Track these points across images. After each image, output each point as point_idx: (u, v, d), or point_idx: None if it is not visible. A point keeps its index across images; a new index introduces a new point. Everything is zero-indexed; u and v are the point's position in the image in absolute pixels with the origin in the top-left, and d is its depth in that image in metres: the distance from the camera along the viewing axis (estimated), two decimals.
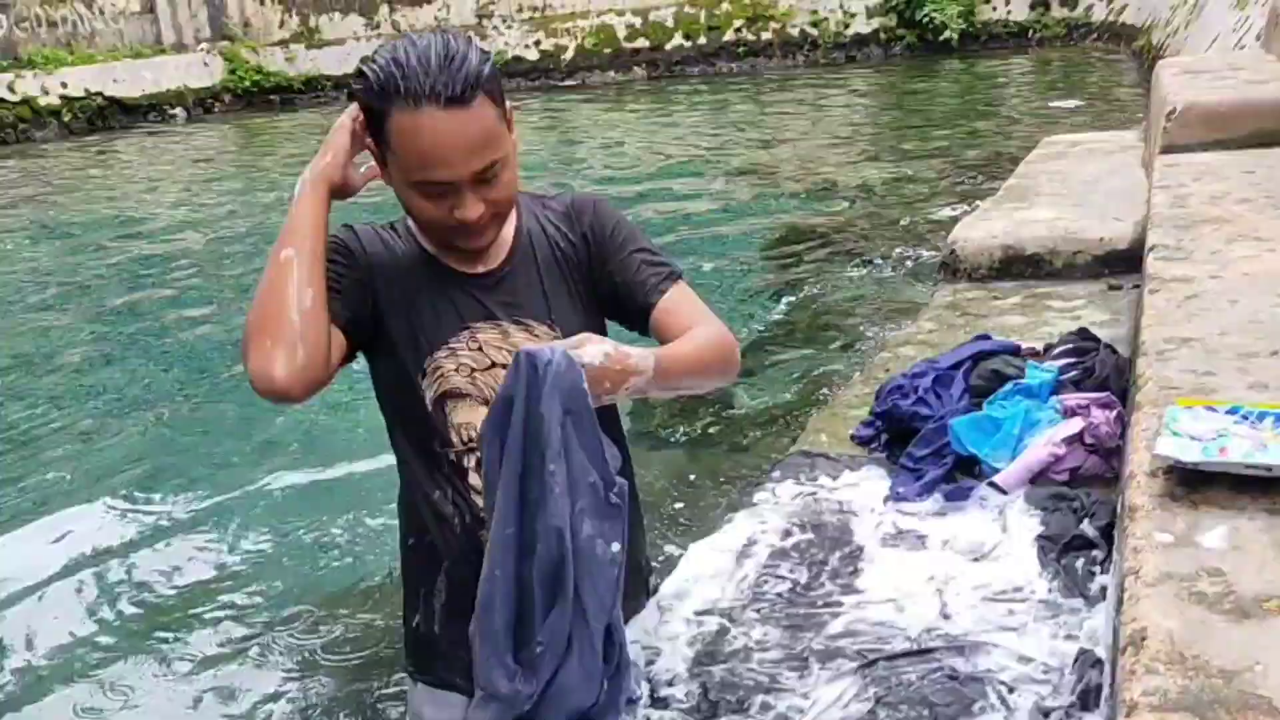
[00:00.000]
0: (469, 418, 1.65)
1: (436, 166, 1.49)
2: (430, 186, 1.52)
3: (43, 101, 15.56)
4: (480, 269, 1.68)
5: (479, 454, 1.57)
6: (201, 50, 17.78)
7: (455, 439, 1.67)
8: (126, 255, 8.19)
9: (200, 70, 17.50)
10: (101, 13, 17.11)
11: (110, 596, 3.41)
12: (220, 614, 3.27)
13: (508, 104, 1.56)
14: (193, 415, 4.96)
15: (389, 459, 1.81)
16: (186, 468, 4.37)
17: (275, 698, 2.85)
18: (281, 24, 19.21)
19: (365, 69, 1.50)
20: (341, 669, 2.94)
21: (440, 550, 1.71)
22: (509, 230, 1.71)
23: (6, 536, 3.84)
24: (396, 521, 1.82)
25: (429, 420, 1.67)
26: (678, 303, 1.68)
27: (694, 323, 1.65)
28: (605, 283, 1.72)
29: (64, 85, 15.84)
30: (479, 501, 1.65)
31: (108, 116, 16.11)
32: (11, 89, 15.34)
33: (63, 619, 3.28)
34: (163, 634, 3.19)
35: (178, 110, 16.87)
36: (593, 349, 1.43)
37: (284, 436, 4.60)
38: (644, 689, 1.64)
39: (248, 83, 17.73)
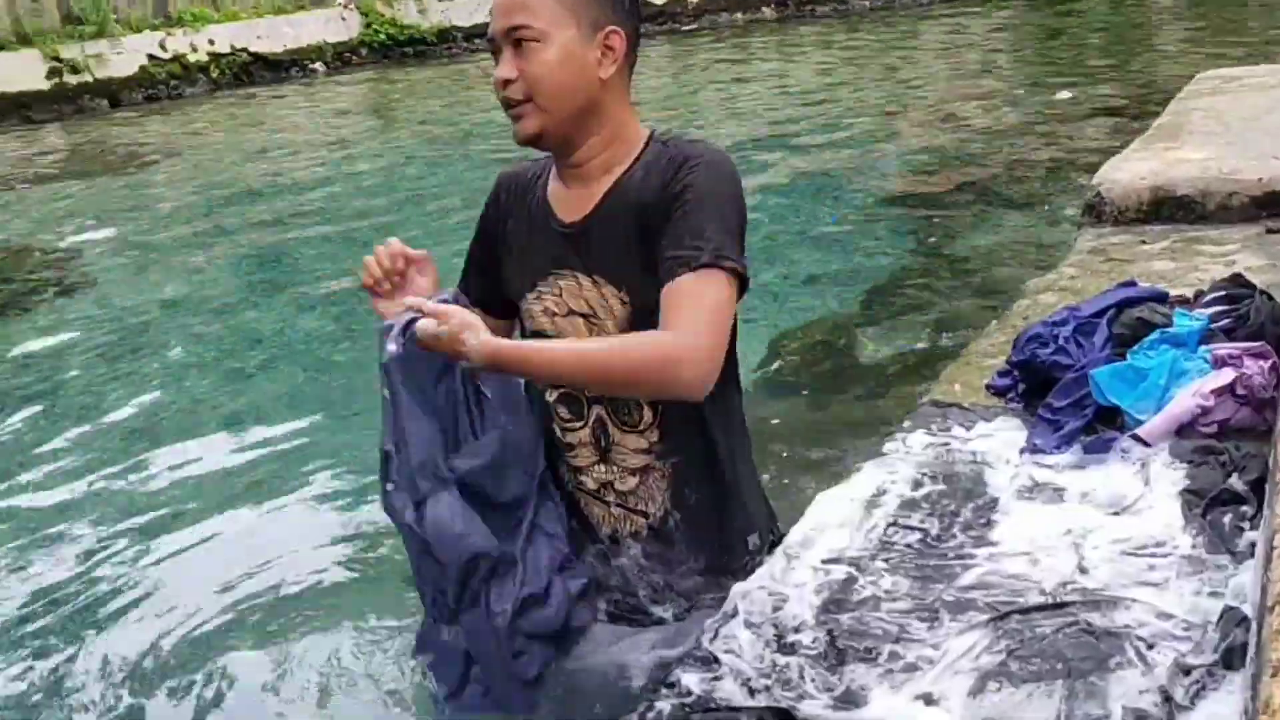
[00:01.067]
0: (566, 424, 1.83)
1: (490, 18, 1.68)
2: (490, 44, 1.70)
3: (192, 58, 16.15)
4: (567, 219, 1.76)
5: (571, 408, 1.81)
6: (339, 5, 18.19)
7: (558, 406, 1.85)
8: (269, 203, 8.48)
9: (338, 25, 17.90)
10: None
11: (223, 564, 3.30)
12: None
13: (612, 27, 1.67)
14: (321, 368, 5.03)
15: None
16: (315, 417, 4.41)
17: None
18: None
19: None
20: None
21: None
22: (605, 180, 1.73)
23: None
24: None
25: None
26: (676, 296, 1.60)
27: (670, 323, 1.58)
28: (660, 235, 1.66)
29: (211, 42, 16.41)
30: (557, 431, 1.83)
31: (252, 72, 16.65)
32: (163, 46, 15.97)
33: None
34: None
35: (318, 65, 17.33)
36: (426, 323, 1.51)
37: None
38: (769, 633, 1.66)
39: (383, 36, 18.07)
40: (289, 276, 6.53)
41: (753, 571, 1.80)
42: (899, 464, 2.21)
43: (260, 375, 4.97)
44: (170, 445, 4.13)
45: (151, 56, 15.86)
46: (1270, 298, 2.49)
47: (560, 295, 1.74)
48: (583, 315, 1.73)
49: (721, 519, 1.85)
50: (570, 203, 1.74)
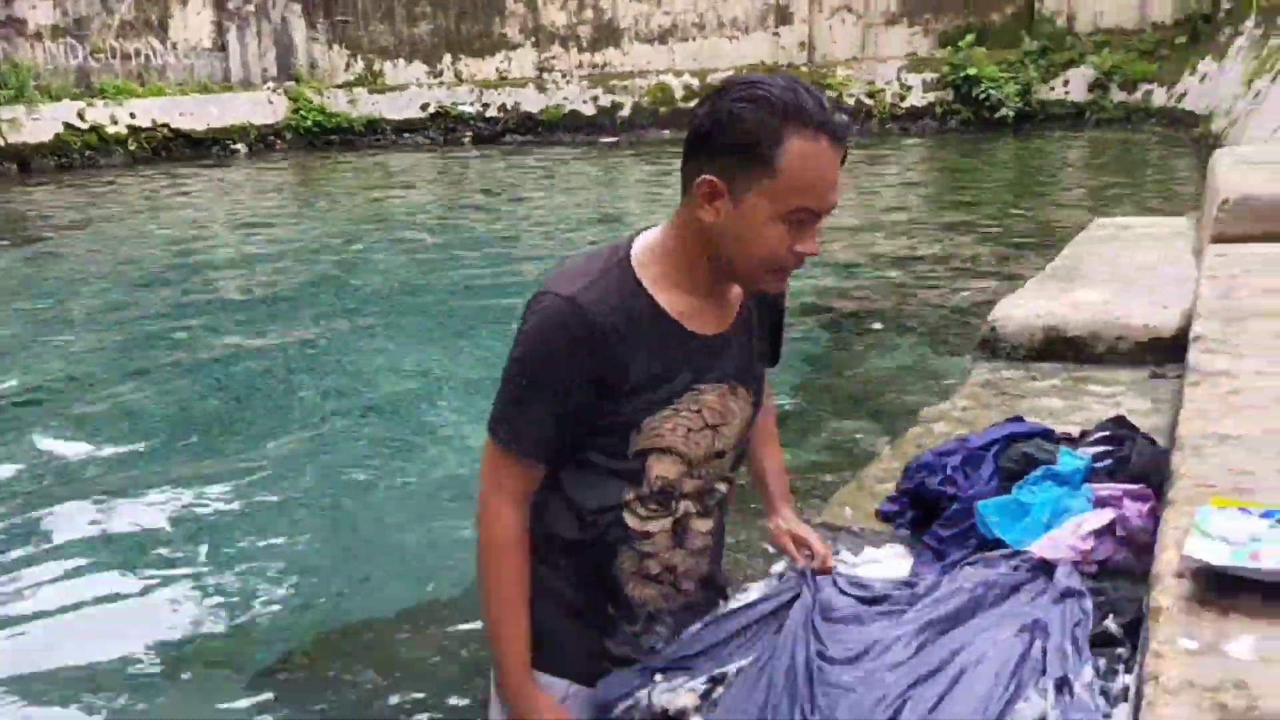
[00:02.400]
0: (664, 470, 1.75)
1: (822, 192, 1.59)
2: (803, 214, 1.59)
3: (111, 130, 15.97)
4: (712, 330, 1.74)
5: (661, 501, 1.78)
6: (268, 89, 18.21)
7: (646, 488, 1.75)
8: (180, 284, 8.33)
9: (265, 107, 17.90)
10: (174, 47, 17.60)
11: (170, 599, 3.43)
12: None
13: None
14: (231, 447, 4.99)
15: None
16: (225, 501, 4.40)
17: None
18: (347, 67, 19.65)
19: (761, 92, 1.55)
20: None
21: (579, 545, 1.79)
22: (736, 290, 1.78)
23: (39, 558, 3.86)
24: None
25: (621, 465, 1.74)
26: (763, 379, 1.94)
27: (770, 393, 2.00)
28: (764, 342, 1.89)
29: (132, 116, 16.26)
30: (629, 520, 1.78)
31: (172, 148, 16.49)
32: (82, 116, 15.77)
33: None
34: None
35: (240, 146, 17.24)
36: None
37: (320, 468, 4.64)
38: None
39: (310, 122, 18.10)
40: (189, 357, 6.35)
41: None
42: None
43: (152, 455, 4.83)
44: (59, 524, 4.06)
45: (68, 125, 15.64)
46: (1152, 441, 2.54)
47: (699, 412, 1.75)
48: (712, 427, 1.78)
49: (720, 580, 1.99)
50: (709, 317, 1.74)
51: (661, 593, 1.85)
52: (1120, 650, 1.83)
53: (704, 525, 1.85)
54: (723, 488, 1.86)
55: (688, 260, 1.68)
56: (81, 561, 3.85)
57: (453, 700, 3.00)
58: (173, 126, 16.56)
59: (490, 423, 1.72)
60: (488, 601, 1.75)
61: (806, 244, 1.63)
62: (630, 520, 1.77)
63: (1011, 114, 17.28)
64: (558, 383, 1.65)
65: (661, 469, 1.75)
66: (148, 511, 4.26)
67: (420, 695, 3.04)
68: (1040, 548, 2.11)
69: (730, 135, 1.56)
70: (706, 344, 1.73)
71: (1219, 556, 1.50)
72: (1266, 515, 1.60)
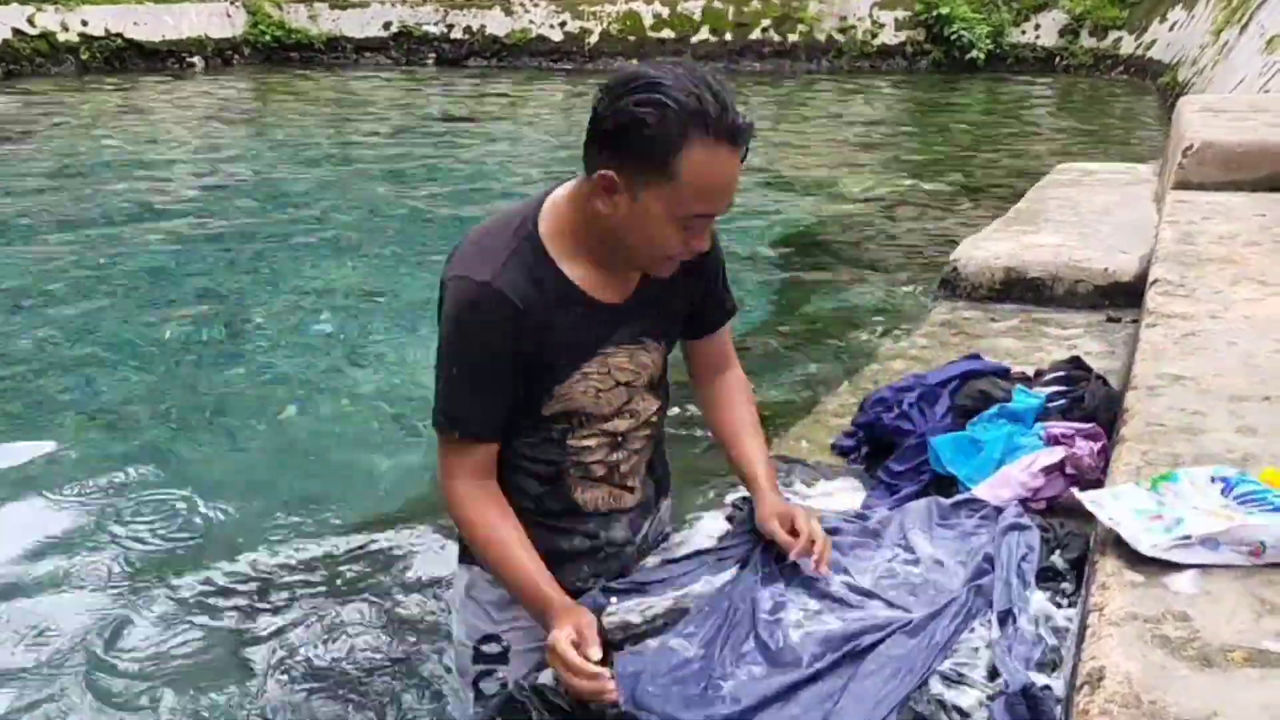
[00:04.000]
0: (581, 433, 1.82)
1: (719, 197, 1.61)
2: (699, 220, 1.62)
3: (61, 37, 15.47)
4: (619, 298, 1.77)
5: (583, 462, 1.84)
6: (226, 1, 17.69)
7: (565, 458, 1.83)
8: (131, 197, 8.13)
9: (222, 20, 17.41)
10: None
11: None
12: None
13: None
14: (174, 359, 4.92)
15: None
16: (167, 410, 4.35)
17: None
18: None
19: (663, 97, 1.52)
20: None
21: (532, 456, 1.84)
22: None
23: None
24: None
25: (541, 425, 1.80)
26: (722, 341, 2.00)
27: (725, 363, 2.00)
28: (695, 300, 1.92)
29: (84, 23, 15.75)
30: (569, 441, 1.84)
31: (126, 59, 16.02)
32: (31, 22, 15.26)
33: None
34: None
35: (196, 59, 16.78)
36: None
37: (266, 375, 4.59)
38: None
39: (269, 37, 17.65)
40: (141, 273, 6.22)
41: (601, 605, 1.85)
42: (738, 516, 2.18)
43: (106, 373, 4.76)
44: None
45: (17, 31, 15.12)
46: (1105, 383, 2.56)
47: (609, 373, 1.80)
48: (624, 385, 1.83)
49: (664, 479, 2.07)
50: (613, 286, 1.76)
51: (608, 492, 1.90)
52: (1066, 585, 1.86)
53: (642, 432, 1.90)
54: (636, 439, 1.91)
55: (588, 236, 1.70)
56: (28, 483, 3.79)
57: (406, 611, 3.01)
58: (126, 36, 16.06)
59: (434, 417, 1.76)
60: (491, 564, 1.78)
61: (698, 240, 1.65)
62: (572, 441, 1.84)
63: (982, 56, 17.23)
64: (484, 361, 1.70)
65: (577, 431, 1.82)
66: (91, 431, 4.20)
67: (376, 611, 3.05)
68: (991, 484, 2.13)
69: (630, 138, 1.55)
70: (614, 312, 1.77)
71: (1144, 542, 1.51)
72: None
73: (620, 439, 1.87)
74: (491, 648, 1.92)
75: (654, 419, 1.93)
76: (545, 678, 1.67)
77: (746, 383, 2.04)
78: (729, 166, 1.58)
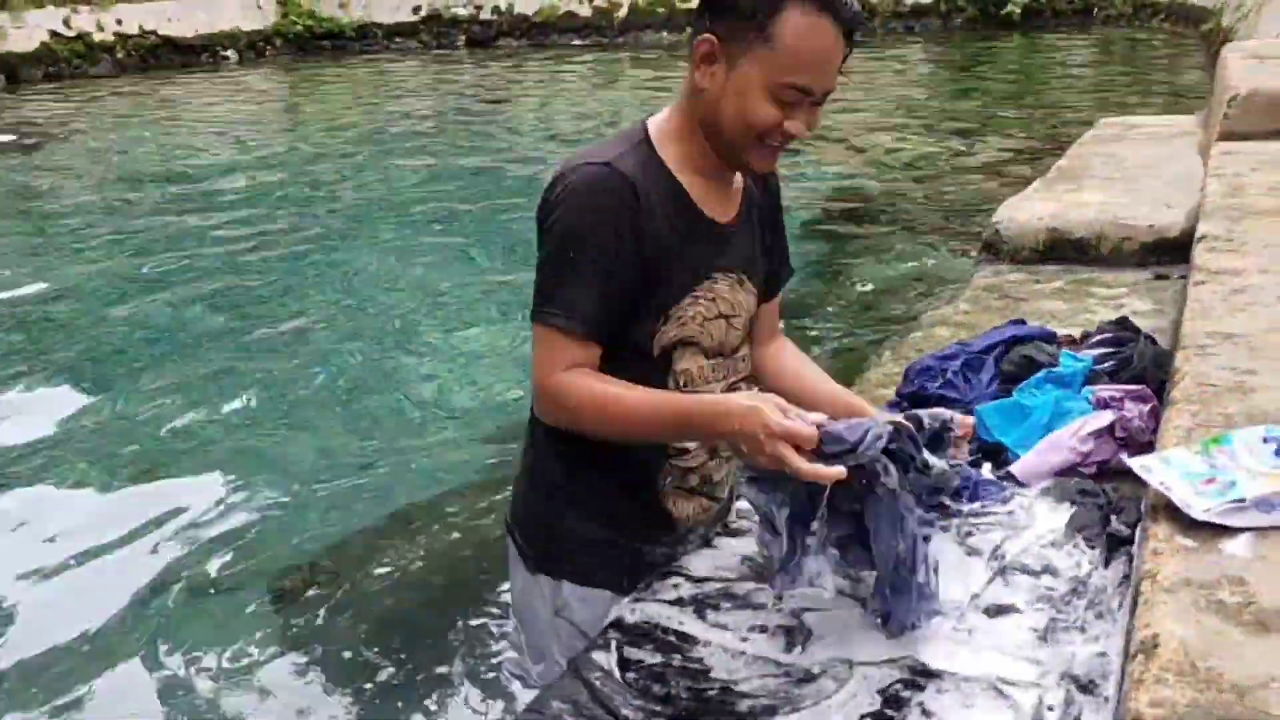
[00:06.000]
0: (688, 364, 1.71)
1: (815, 72, 1.55)
2: (793, 91, 1.55)
3: (97, 38, 15.65)
4: (723, 219, 1.72)
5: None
6: None
7: (671, 383, 1.70)
8: (171, 193, 8.24)
9: (254, 12, 17.51)
10: None
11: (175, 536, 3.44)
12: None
13: None
14: (221, 349, 4.99)
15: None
16: (216, 402, 4.42)
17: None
18: None
19: None
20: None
21: (619, 461, 1.73)
22: (739, 179, 1.77)
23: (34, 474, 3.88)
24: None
25: (649, 360, 1.68)
26: (774, 308, 1.92)
27: (771, 335, 1.93)
28: (769, 247, 1.86)
29: (119, 22, 15.92)
30: (678, 457, 1.77)
31: (160, 56, 16.18)
32: (67, 24, 15.44)
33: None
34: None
35: (230, 53, 16.91)
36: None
37: (315, 373, 4.65)
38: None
39: (300, 27, 17.72)
40: (181, 269, 6.31)
41: (666, 570, 1.84)
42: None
43: (149, 368, 4.82)
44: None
45: (54, 33, 15.32)
46: (1154, 342, 2.53)
47: (714, 300, 1.72)
48: (725, 317, 1.75)
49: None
50: (719, 203, 1.72)
51: (700, 505, 1.83)
52: (1131, 549, 1.84)
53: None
54: (743, 388, 1.81)
55: (694, 138, 1.66)
56: (78, 469, 3.86)
57: (465, 602, 3.03)
58: (160, 33, 16.21)
59: (535, 308, 1.62)
60: (628, 424, 1.61)
61: (794, 123, 1.59)
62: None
63: (1018, 11, 16.92)
64: (608, 248, 1.58)
65: (685, 363, 1.71)
66: (143, 423, 4.26)
67: (436, 600, 3.07)
68: (1040, 450, 2.11)
69: (733, 5, 1.54)
70: (721, 232, 1.72)
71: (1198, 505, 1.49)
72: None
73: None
74: None
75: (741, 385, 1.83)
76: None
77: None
78: (829, 39, 1.54)
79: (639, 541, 1.80)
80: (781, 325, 2.00)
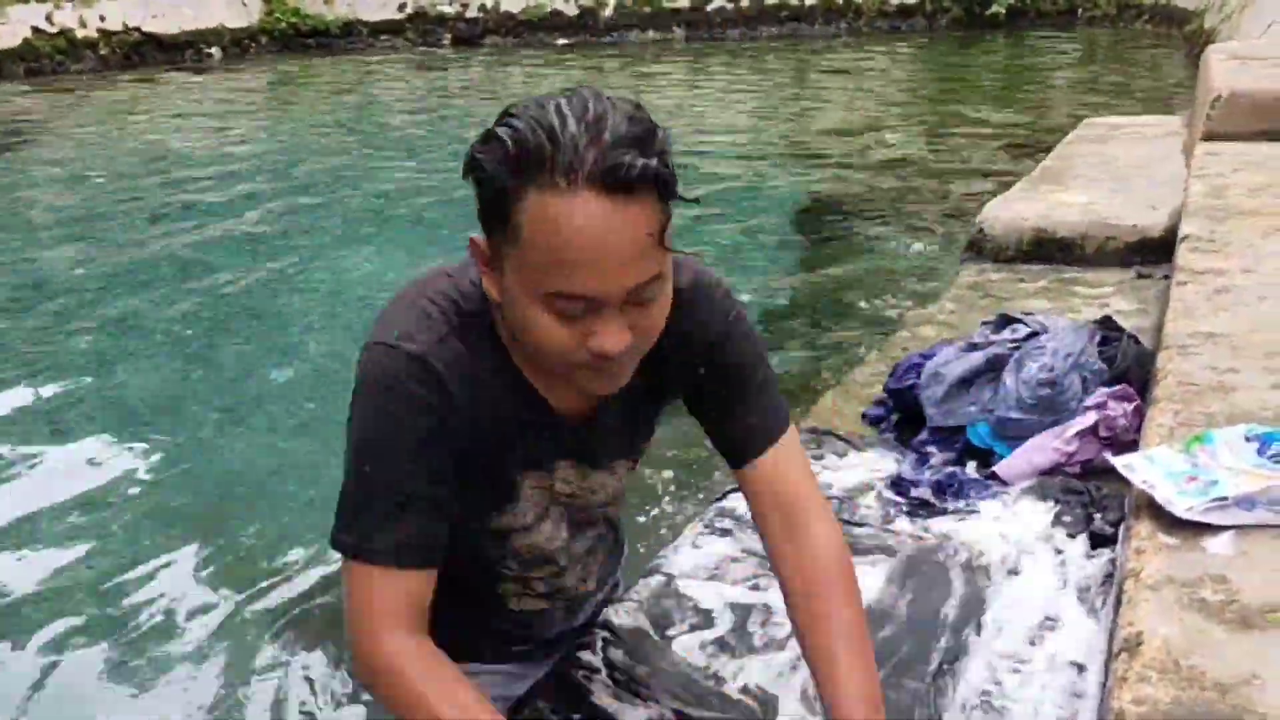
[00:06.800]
0: (526, 542, 1.43)
1: (583, 272, 1.09)
2: (568, 301, 1.12)
3: (80, 34, 15.55)
4: (566, 419, 1.35)
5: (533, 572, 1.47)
6: None
7: (510, 562, 1.45)
8: (154, 190, 8.19)
9: (239, 9, 17.43)
10: None
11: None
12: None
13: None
14: (203, 354, 4.97)
15: None
16: (197, 405, 4.39)
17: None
18: None
19: (499, 131, 1.12)
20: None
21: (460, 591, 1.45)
22: None
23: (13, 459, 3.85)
24: None
25: (481, 539, 1.42)
26: (774, 471, 1.37)
27: (799, 493, 1.37)
28: (710, 409, 1.42)
29: (102, 18, 15.82)
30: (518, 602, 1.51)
31: (144, 53, 16.09)
32: (50, 20, 15.34)
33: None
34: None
35: (214, 50, 16.83)
36: None
37: (293, 374, 4.64)
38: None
39: (284, 24, 17.65)
40: (166, 268, 6.27)
41: (650, 569, 1.80)
42: None
43: (132, 368, 4.80)
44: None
45: (37, 29, 15.21)
46: (1137, 341, 2.54)
47: (551, 488, 1.41)
48: (568, 502, 1.45)
49: (619, 555, 1.72)
50: (566, 393, 1.33)
51: (550, 604, 1.56)
52: (1114, 548, 1.85)
53: (590, 532, 1.54)
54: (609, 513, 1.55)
55: None
56: (49, 467, 3.83)
57: None
58: (144, 30, 16.11)
59: (334, 536, 1.27)
60: None
61: (597, 339, 1.14)
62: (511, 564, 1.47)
63: (1003, 11, 16.99)
64: (406, 462, 1.24)
65: (528, 540, 1.43)
66: (120, 420, 4.23)
67: None
68: (1026, 450, 2.12)
69: (480, 188, 1.15)
70: (573, 424, 1.36)
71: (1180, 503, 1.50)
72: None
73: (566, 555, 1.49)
74: None
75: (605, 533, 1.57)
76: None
77: (837, 542, 1.37)
78: (593, 223, 1.07)
79: (482, 620, 1.53)
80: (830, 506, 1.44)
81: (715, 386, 1.38)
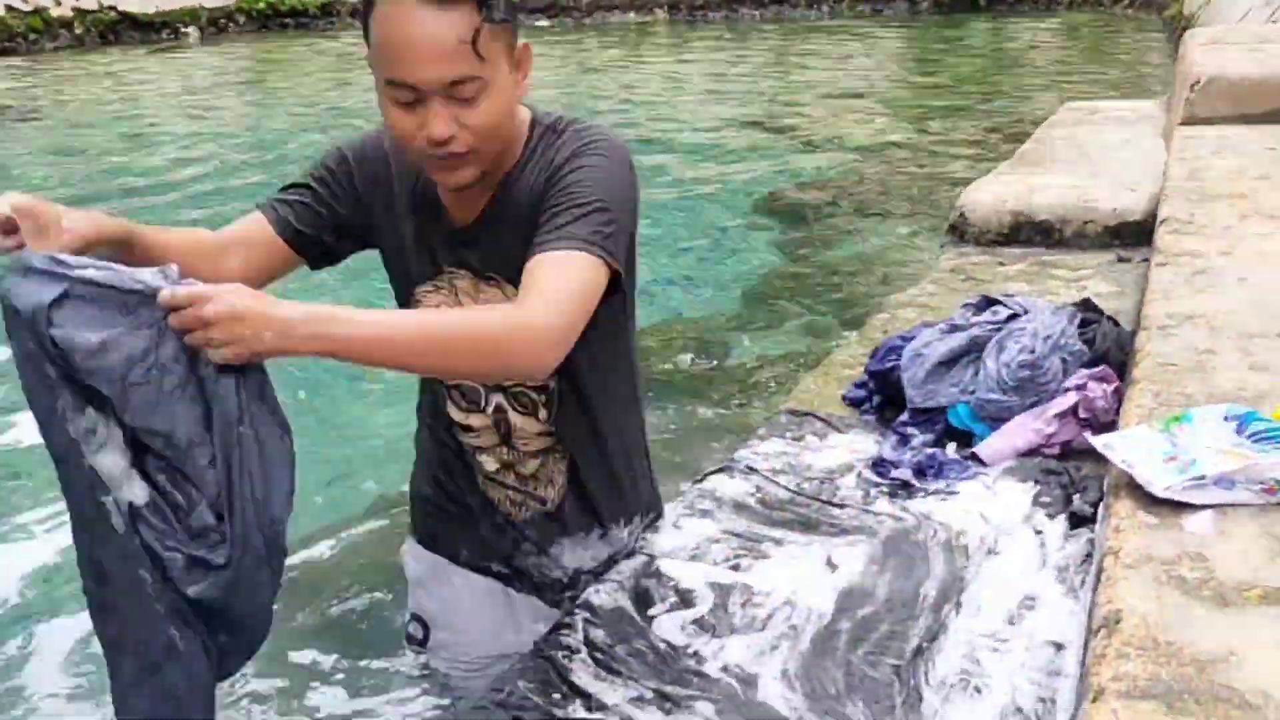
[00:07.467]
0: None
1: (404, 62, 1.39)
2: (399, 89, 1.42)
3: (55, 12, 15.37)
4: (459, 218, 1.60)
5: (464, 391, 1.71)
6: None
7: (454, 394, 1.73)
8: (131, 171, 8.11)
9: None
10: None
11: None
12: None
13: (519, 41, 1.48)
14: None
15: None
16: None
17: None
18: None
19: None
20: None
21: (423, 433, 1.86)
22: (493, 178, 1.56)
23: None
24: None
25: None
26: (538, 270, 1.44)
27: (524, 298, 1.43)
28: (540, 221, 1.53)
29: None
30: (454, 413, 1.73)
31: (120, 31, 15.91)
32: None
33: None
34: None
35: (191, 29, 16.66)
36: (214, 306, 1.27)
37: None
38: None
39: (262, 4, 17.49)
40: None
41: (631, 550, 1.82)
42: (748, 470, 2.19)
43: None
44: None
45: (10, 7, 15.02)
46: (1116, 324, 2.55)
47: (456, 295, 1.63)
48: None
49: (611, 503, 1.80)
50: (459, 202, 1.58)
51: (509, 496, 1.75)
52: (1093, 527, 1.86)
53: (531, 425, 1.69)
54: (530, 386, 1.68)
55: (497, 154, 1.55)
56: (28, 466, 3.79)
57: None
58: (120, 9, 15.94)
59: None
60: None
61: (427, 126, 1.42)
62: (453, 412, 1.72)
63: None
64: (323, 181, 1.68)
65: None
66: None
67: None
68: (1006, 431, 2.13)
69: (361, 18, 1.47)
70: (463, 230, 1.61)
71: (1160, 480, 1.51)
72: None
73: (502, 422, 1.70)
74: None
75: (547, 400, 1.68)
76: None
77: (518, 312, 1.44)
78: (416, 20, 1.37)
79: (464, 516, 1.80)
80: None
81: (548, 202, 1.51)
